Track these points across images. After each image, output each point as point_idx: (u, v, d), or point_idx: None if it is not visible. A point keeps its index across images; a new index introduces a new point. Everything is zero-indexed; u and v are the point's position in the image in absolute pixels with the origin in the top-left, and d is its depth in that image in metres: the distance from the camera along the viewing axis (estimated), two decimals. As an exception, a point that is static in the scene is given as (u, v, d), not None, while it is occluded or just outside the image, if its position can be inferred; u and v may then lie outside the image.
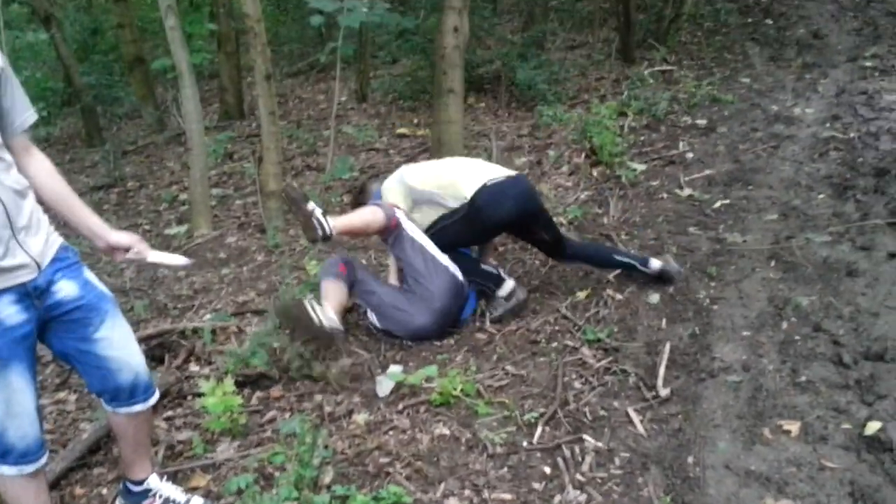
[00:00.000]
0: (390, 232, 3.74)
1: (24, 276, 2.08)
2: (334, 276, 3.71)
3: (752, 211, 4.68)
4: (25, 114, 2.19)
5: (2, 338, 2.04)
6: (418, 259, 3.71)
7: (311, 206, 3.56)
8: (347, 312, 3.91)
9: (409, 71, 9.35)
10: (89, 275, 2.30)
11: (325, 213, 3.57)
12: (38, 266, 2.12)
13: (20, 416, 2.10)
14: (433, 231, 3.88)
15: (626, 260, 3.96)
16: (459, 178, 3.81)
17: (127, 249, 2.39)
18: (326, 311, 3.52)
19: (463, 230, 3.80)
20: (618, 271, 4.05)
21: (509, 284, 3.81)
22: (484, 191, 3.69)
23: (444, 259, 3.77)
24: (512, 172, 3.88)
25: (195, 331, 3.94)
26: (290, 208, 3.80)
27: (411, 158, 6.82)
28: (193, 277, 4.93)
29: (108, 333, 2.27)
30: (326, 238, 3.54)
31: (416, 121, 8.13)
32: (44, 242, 2.16)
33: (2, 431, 2.09)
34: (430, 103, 8.09)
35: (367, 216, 3.74)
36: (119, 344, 2.30)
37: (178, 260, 2.55)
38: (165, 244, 5.68)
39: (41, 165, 2.26)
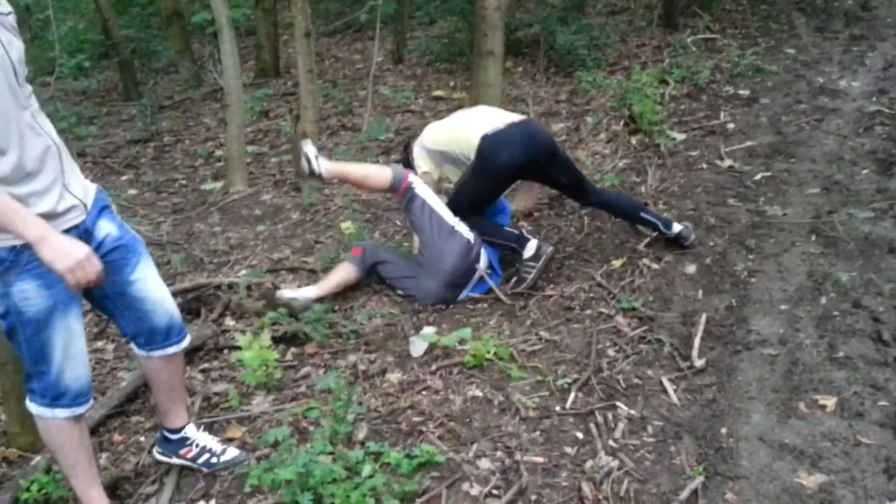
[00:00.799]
0: (402, 195, 3.79)
1: (77, 217, 2.11)
2: (348, 260, 3.87)
3: (794, 184, 4.61)
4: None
5: (62, 282, 2.07)
6: (427, 222, 3.75)
7: (307, 145, 3.71)
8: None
9: (446, 32, 9.27)
10: (119, 218, 2.33)
11: (317, 156, 3.72)
12: (86, 207, 2.15)
13: (76, 357, 2.15)
14: (455, 194, 3.90)
15: (650, 218, 3.96)
16: (466, 130, 3.79)
17: None
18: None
19: (476, 184, 3.80)
20: (650, 239, 4.03)
21: (533, 244, 3.76)
22: (486, 140, 3.68)
23: (453, 220, 3.78)
24: (518, 118, 3.84)
25: (231, 286, 3.98)
26: (293, 149, 3.89)
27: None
28: (229, 233, 4.97)
29: (143, 274, 2.30)
30: (313, 174, 3.72)
31: (452, 83, 8.07)
32: (84, 184, 2.19)
33: (59, 373, 2.13)
34: (467, 66, 8.03)
35: (369, 170, 3.87)
36: (153, 286, 2.34)
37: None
38: (202, 199, 5.73)
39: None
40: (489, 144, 3.67)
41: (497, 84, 5.79)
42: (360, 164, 3.87)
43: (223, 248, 4.75)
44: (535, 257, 3.74)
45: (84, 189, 2.18)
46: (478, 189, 3.84)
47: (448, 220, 3.77)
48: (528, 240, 3.78)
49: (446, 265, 3.66)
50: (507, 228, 3.92)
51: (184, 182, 6.30)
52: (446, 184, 4.15)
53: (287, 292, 3.69)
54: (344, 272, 3.81)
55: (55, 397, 2.16)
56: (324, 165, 3.71)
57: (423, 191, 3.80)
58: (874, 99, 5.83)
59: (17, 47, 1.99)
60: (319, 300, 3.71)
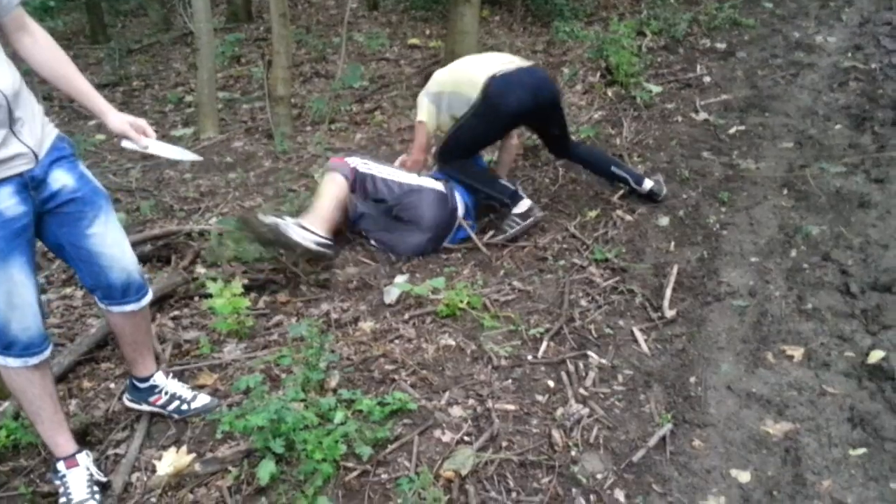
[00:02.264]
0: (356, 184, 3.68)
1: (22, 165, 2.03)
2: (341, 173, 3.65)
3: (768, 138, 4.62)
4: None
5: (3, 230, 2.01)
6: (392, 191, 3.68)
7: (265, 217, 3.39)
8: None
9: (422, -21, 9.11)
10: (84, 169, 2.25)
11: (281, 219, 3.41)
12: (36, 156, 2.07)
13: (21, 307, 2.09)
14: (451, 134, 3.82)
15: (622, 174, 3.96)
16: (472, 71, 3.73)
17: (127, 133, 2.31)
18: (309, 226, 3.43)
19: (478, 125, 3.72)
20: (623, 191, 4.03)
21: (526, 203, 3.74)
22: (493, 82, 3.62)
23: (416, 180, 3.74)
24: (527, 63, 3.79)
25: (202, 233, 3.93)
26: (273, 245, 3.48)
27: (422, 70, 6.69)
28: (200, 180, 4.90)
29: (101, 230, 2.23)
30: (330, 247, 3.49)
31: (427, 31, 7.96)
32: (40, 132, 2.11)
33: (5, 324, 2.08)
34: (443, 14, 7.91)
35: (333, 191, 3.61)
36: (112, 241, 2.27)
37: (182, 154, 2.44)
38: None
39: (41, 41, 2.18)
40: (497, 86, 3.61)
41: (473, 32, 5.71)
42: (317, 203, 3.59)
43: (194, 196, 4.68)
44: (524, 216, 3.72)
45: (39, 138, 2.10)
46: (477, 131, 3.76)
47: (408, 181, 3.73)
48: (521, 198, 3.75)
49: (427, 219, 3.64)
50: (504, 182, 3.89)
51: (153, 128, 6.17)
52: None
53: (271, 218, 3.47)
54: (332, 186, 3.61)
55: (6, 346, 2.11)
56: (319, 233, 3.47)
57: (369, 167, 3.72)
58: (849, 55, 5.84)
59: None
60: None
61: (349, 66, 6.49)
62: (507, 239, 3.73)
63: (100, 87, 7.33)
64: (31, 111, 2.08)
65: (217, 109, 5.93)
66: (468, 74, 3.73)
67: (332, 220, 3.56)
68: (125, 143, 2.32)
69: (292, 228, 3.37)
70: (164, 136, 5.92)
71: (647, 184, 3.91)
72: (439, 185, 3.75)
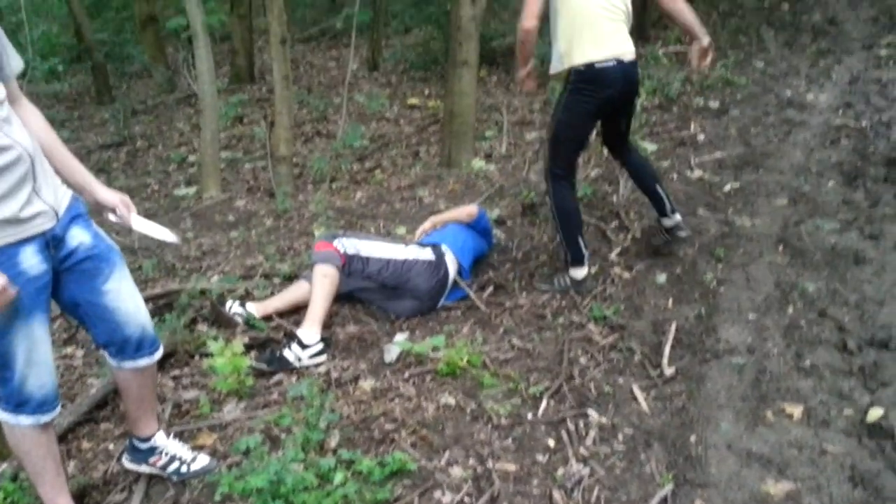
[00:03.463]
0: (346, 265, 3.65)
1: (45, 224, 2.09)
2: (331, 265, 3.59)
3: (762, 195, 4.68)
4: (13, 61, 2.17)
5: (25, 288, 2.05)
6: (382, 268, 3.69)
7: (295, 359, 3.31)
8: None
9: (421, 41, 9.32)
10: (97, 227, 2.31)
11: (299, 343, 3.33)
12: (56, 215, 2.13)
13: (40, 365, 2.13)
14: (555, 125, 3.64)
15: (662, 195, 3.87)
16: (580, 40, 3.48)
17: (114, 210, 2.38)
18: (303, 338, 3.36)
19: (570, 114, 3.57)
20: (621, 248, 4.07)
21: (585, 271, 3.74)
22: (593, 70, 3.45)
23: (404, 252, 3.76)
24: (628, 53, 3.55)
25: (203, 292, 3.96)
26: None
27: (421, 129, 6.82)
28: (202, 239, 4.95)
29: (116, 285, 2.28)
30: (324, 351, 3.38)
31: (426, 91, 8.11)
32: (56, 191, 2.17)
33: (21, 381, 2.11)
34: (441, 74, 8.06)
35: (327, 289, 3.52)
36: (127, 296, 2.32)
37: (163, 234, 2.48)
38: (174, 205, 5.70)
39: (34, 117, 2.25)
40: (595, 75, 3.47)
41: (471, 93, 5.83)
42: (312, 300, 3.50)
43: (195, 254, 4.73)
44: (578, 283, 3.75)
45: (57, 196, 2.16)
46: (571, 121, 3.57)
47: (396, 255, 3.73)
48: (585, 264, 3.75)
49: (419, 289, 3.68)
50: (582, 242, 3.75)
51: (156, 187, 6.27)
52: None
53: (236, 307, 3.65)
54: (325, 282, 3.53)
55: (19, 404, 2.13)
56: (312, 332, 3.38)
57: (357, 247, 3.70)
58: (840, 112, 5.94)
59: None
60: (267, 318, 3.66)
61: (350, 126, 6.60)
62: (547, 291, 3.76)
63: (104, 147, 7.45)
64: (48, 171, 2.15)
65: (220, 169, 6.01)
66: (579, 43, 3.47)
67: (327, 314, 3.55)
68: (111, 217, 2.39)
69: (287, 353, 3.33)
70: (166, 196, 6.01)
71: (677, 217, 3.89)
72: (427, 254, 3.78)
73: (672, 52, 7.97)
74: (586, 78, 3.45)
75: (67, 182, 2.32)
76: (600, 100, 3.51)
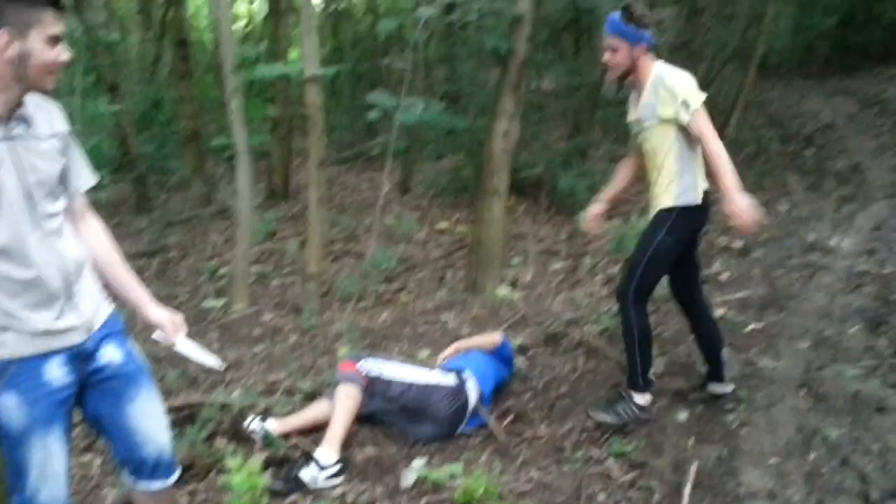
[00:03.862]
0: (370, 387, 3.68)
1: (75, 338, 2.16)
2: (355, 384, 3.65)
3: (785, 337, 4.69)
4: (84, 176, 2.31)
5: (46, 399, 2.10)
6: (404, 391, 3.72)
7: (311, 479, 3.35)
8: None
9: (453, 168, 9.61)
10: (132, 345, 2.38)
11: (316, 464, 3.37)
12: (89, 330, 2.21)
13: (53, 478, 2.14)
14: (653, 249, 3.59)
15: (720, 361, 3.89)
16: (699, 170, 3.55)
17: (161, 328, 2.45)
18: (321, 459, 3.38)
19: (679, 229, 3.57)
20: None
21: (650, 397, 3.73)
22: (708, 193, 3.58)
23: (427, 376, 3.81)
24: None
25: (224, 405, 3.99)
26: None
27: (448, 254, 6.96)
28: (227, 352, 5.01)
29: (141, 406, 2.32)
30: (342, 472, 3.41)
31: (455, 217, 8.31)
32: (96, 307, 2.25)
33: (34, 493, 2.12)
34: (471, 201, 8.28)
35: (349, 408, 3.57)
36: (150, 417, 2.35)
37: (207, 359, 2.52)
38: (202, 317, 5.80)
39: (95, 231, 2.37)
40: (705, 203, 3.56)
41: (500, 221, 5.99)
42: (334, 418, 3.54)
43: (216, 356, 4.77)
44: (644, 409, 3.73)
45: (95, 311, 2.24)
46: (673, 245, 3.59)
47: (419, 379, 3.78)
48: (650, 389, 3.76)
49: (439, 415, 3.70)
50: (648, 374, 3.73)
51: (186, 298, 6.40)
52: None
53: (256, 423, 3.68)
54: (348, 402, 3.57)
55: None
56: (332, 455, 3.41)
57: (381, 369, 3.76)
58: (863, 258, 6.00)
59: (42, 171, 2.09)
60: (286, 435, 3.68)
61: (379, 249, 6.76)
62: (613, 425, 3.69)
63: (138, 255, 7.65)
64: (90, 286, 2.24)
65: (249, 283, 6.15)
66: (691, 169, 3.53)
67: (347, 434, 3.57)
68: (157, 336, 2.45)
69: (303, 473, 3.35)
70: (195, 307, 6.12)
71: (729, 388, 3.92)
72: (450, 380, 3.83)
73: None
74: (698, 206, 3.53)
75: (121, 297, 2.42)
76: (699, 225, 3.72)
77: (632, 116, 3.57)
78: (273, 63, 8.14)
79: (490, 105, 6.30)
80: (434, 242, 7.47)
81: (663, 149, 3.43)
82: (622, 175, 3.92)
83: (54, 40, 2.02)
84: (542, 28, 12.44)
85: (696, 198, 3.50)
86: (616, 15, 3.38)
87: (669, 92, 3.32)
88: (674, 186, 3.47)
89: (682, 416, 3.80)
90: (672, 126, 3.36)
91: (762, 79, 12.49)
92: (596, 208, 3.94)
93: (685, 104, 3.30)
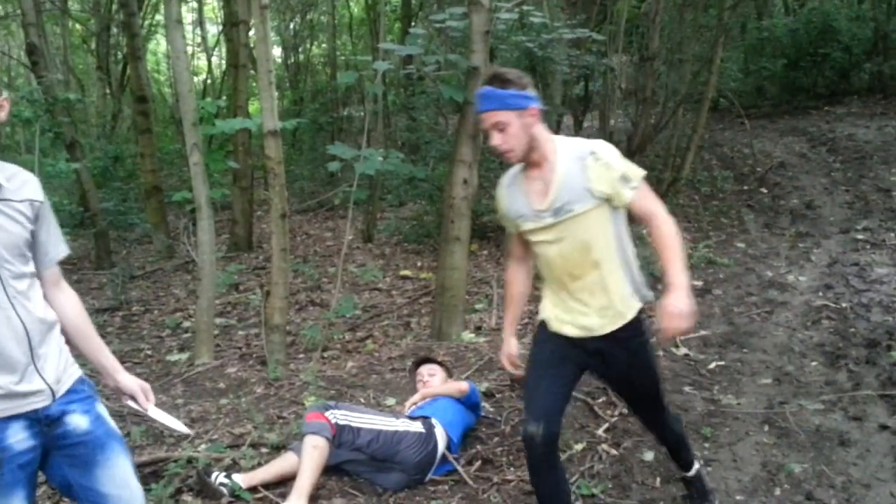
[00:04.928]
0: (338, 436, 3.67)
1: (38, 402, 2.14)
2: (322, 436, 3.63)
3: (747, 374, 4.77)
4: (58, 247, 2.32)
5: (8, 463, 2.07)
6: (372, 439, 3.71)
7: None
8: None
9: (415, 215, 9.69)
10: (102, 409, 2.33)
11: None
12: (53, 395, 2.18)
13: None
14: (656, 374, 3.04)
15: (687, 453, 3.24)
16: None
17: (132, 396, 2.44)
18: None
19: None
20: (608, 424, 4.10)
21: (697, 468, 3.27)
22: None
23: (394, 423, 3.81)
24: None
25: (190, 460, 3.93)
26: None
27: (413, 300, 6.97)
28: (191, 406, 4.95)
29: (111, 471, 2.27)
30: None
31: (419, 264, 8.35)
32: (62, 372, 2.23)
33: None
34: (433, 247, 8.35)
35: (317, 461, 3.53)
36: (121, 483, 2.29)
37: (177, 425, 2.55)
38: (166, 370, 5.73)
39: (68, 300, 2.36)
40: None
41: (463, 267, 6.03)
42: (301, 468, 3.52)
43: (184, 422, 4.71)
44: (701, 485, 3.27)
45: (60, 376, 2.22)
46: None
47: (387, 426, 3.77)
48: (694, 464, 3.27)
49: (407, 462, 3.69)
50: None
51: (149, 352, 6.31)
52: None
53: (222, 478, 3.63)
54: (315, 454, 3.54)
55: None
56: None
57: (348, 418, 3.75)
58: (820, 293, 6.15)
59: (11, 233, 2.08)
60: (253, 489, 3.63)
61: (343, 297, 6.76)
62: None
63: (100, 311, 7.56)
64: (57, 351, 2.22)
65: (213, 335, 6.10)
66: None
67: (314, 487, 3.54)
68: (128, 402, 2.45)
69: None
70: (159, 361, 6.05)
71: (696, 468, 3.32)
72: (417, 426, 3.82)
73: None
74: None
75: (91, 363, 2.40)
76: None
77: (540, 205, 2.70)
78: (233, 117, 8.21)
79: (447, 153, 6.40)
80: (398, 289, 7.49)
81: (601, 239, 2.69)
82: (517, 289, 3.06)
83: None
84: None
85: (649, 290, 2.89)
86: (486, 88, 2.61)
87: (603, 164, 2.62)
88: (626, 286, 2.79)
89: (649, 455, 3.84)
90: (607, 209, 2.66)
91: (714, 121, 12.87)
92: (510, 347, 3.12)
93: (625, 179, 2.63)
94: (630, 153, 8.94)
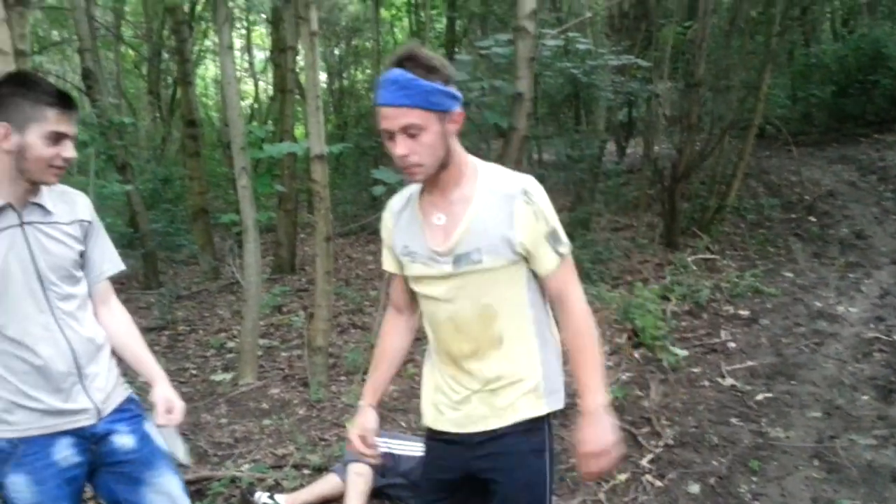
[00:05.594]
0: (379, 466, 3.63)
1: (83, 421, 2.18)
2: (365, 464, 3.62)
3: (796, 406, 4.67)
4: (108, 264, 2.38)
5: (55, 479, 2.12)
6: (413, 465, 3.68)
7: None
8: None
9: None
10: (149, 428, 2.37)
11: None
12: (99, 413, 2.23)
13: None
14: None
15: None
16: None
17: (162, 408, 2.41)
18: None
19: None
20: (653, 455, 4.04)
21: None
22: None
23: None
24: None
25: (233, 480, 3.97)
26: None
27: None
28: (235, 426, 5.00)
29: (156, 489, 2.31)
30: None
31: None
32: (110, 391, 2.27)
33: None
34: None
35: (358, 484, 3.58)
36: (167, 500, 2.34)
37: (179, 452, 2.47)
38: (210, 390, 5.80)
39: (118, 316, 2.42)
40: None
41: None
42: (346, 499, 3.57)
43: (228, 441, 4.76)
44: None
45: (107, 395, 2.26)
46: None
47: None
48: None
49: None
50: None
51: (195, 372, 6.39)
52: None
53: (265, 498, 3.65)
54: (360, 482, 3.59)
55: None
56: None
57: (389, 445, 3.76)
58: (871, 326, 6.01)
59: (56, 254, 2.15)
60: None
61: (386, 320, 6.76)
62: None
63: (148, 330, 7.67)
64: (107, 370, 2.27)
65: (257, 356, 6.15)
66: None
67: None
68: (157, 417, 2.41)
69: None
70: (203, 381, 6.12)
71: None
72: None
73: (701, 259, 8.21)
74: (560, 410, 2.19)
75: (143, 374, 2.43)
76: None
77: (439, 246, 2.00)
78: (280, 141, 8.32)
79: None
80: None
81: (510, 308, 2.02)
82: (390, 347, 2.33)
83: (55, 137, 2.06)
84: (542, 102, 12.77)
85: (563, 395, 2.18)
86: (399, 73, 1.81)
87: (534, 211, 1.94)
88: (532, 377, 2.07)
89: (695, 488, 3.77)
90: (524, 269, 2.00)
91: (761, 148, 12.71)
92: (366, 421, 2.28)
93: (555, 238, 1.97)
94: (675, 180, 8.89)
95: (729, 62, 10.12)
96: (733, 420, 4.55)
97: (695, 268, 7.87)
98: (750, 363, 5.45)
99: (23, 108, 2.01)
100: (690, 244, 8.84)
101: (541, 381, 2.07)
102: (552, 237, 1.96)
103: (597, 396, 1.98)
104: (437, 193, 2.02)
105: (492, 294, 1.99)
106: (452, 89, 1.89)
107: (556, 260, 1.97)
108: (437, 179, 1.98)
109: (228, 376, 6.07)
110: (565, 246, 1.99)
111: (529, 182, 1.99)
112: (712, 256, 8.37)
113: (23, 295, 2.07)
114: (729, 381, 5.12)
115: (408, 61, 1.82)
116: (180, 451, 2.49)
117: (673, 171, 8.99)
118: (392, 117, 1.84)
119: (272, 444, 4.68)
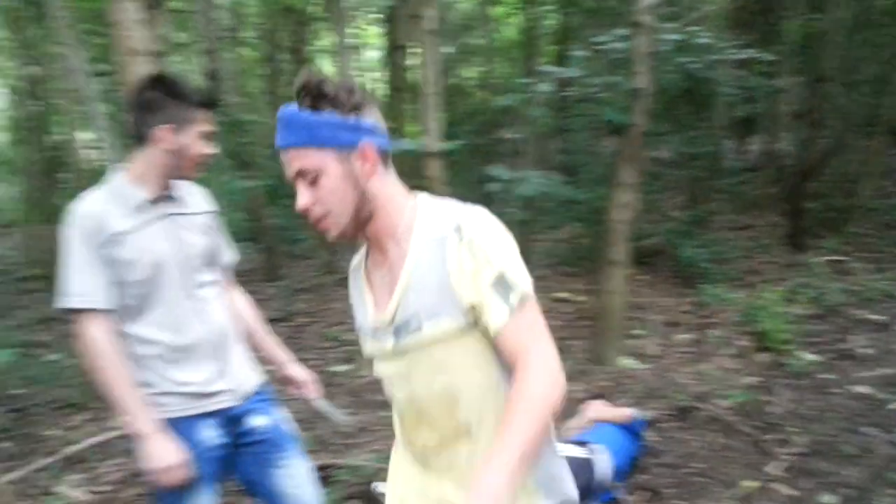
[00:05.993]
0: None
1: (225, 402, 2.32)
2: None
3: (935, 417, 4.43)
4: (227, 254, 2.53)
5: (203, 456, 2.25)
6: (533, 465, 3.63)
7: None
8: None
9: (571, 237, 9.62)
10: (280, 413, 2.51)
11: None
12: (238, 395, 2.36)
13: None
14: None
15: None
16: None
17: (299, 386, 2.64)
18: None
19: None
20: (787, 464, 3.91)
21: None
22: None
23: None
24: None
25: (357, 468, 4.08)
26: None
27: (569, 324, 6.93)
28: (357, 416, 5.13)
29: (286, 472, 2.45)
30: None
31: (575, 286, 8.28)
32: (246, 375, 2.41)
33: None
34: (591, 270, 8.25)
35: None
36: (297, 483, 2.47)
37: (338, 416, 2.83)
38: (330, 381, 5.96)
39: (239, 302, 2.57)
40: None
41: (621, 292, 5.94)
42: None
43: (349, 430, 4.89)
44: None
45: (244, 378, 2.40)
46: None
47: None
48: None
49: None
50: None
51: (315, 363, 6.59)
52: None
53: (381, 486, 3.72)
54: None
55: None
56: None
57: None
58: None
59: (196, 244, 2.31)
60: None
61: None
62: None
63: (269, 321, 7.94)
64: (240, 354, 2.41)
65: (374, 349, 6.29)
66: None
67: None
68: (294, 390, 2.70)
69: None
70: (322, 372, 6.30)
71: None
72: (581, 452, 3.77)
73: (828, 260, 7.86)
74: None
75: (265, 357, 2.59)
76: None
77: (379, 315, 1.67)
78: (395, 138, 8.47)
79: (604, 175, 6.33)
80: (554, 312, 7.44)
81: (475, 389, 1.63)
82: None
83: (206, 136, 2.26)
84: (658, 98, 12.47)
85: (567, 481, 1.88)
86: (287, 110, 1.55)
87: (467, 248, 1.53)
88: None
89: (829, 499, 3.62)
90: (484, 337, 1.58)
91: (892, 146, 12.04)
92: None
93: (503, 282, 1.52)
94: (801, 178, 8.54)
95: (858, 56, 9.64)
96: (866, 429, 4.34)
97: (822, 270, 7.54)
98: (883, 371, 5.19)
99: (178, 110, 2.16)
100: (817, 245, 8.47)
101: (535, 480, 1.70)
102: (499, 283, 1.50)
103: (496, 475, 1.36)
104: (376, 252, 1.67)
105: (448, 371, 1.59)
106: (351, 119, 1.52)
107: (504, 312, 1.50)
108: (368, 234, 1.63)
109: (348, 367, 6.24)
110: (520, 291, 1.51)
111: (468, 215, 1.56)
112: (841, 258, 7.99)
113: (173, 283, 2.22)
114: (861, 389, 4.89)
115: (299, 93, 1.53)
116: (336, 414, 2.78)
117: (798, 170, 8.64)
118: (286, 162, 1.55)
119: (390, 435, 4.77)
